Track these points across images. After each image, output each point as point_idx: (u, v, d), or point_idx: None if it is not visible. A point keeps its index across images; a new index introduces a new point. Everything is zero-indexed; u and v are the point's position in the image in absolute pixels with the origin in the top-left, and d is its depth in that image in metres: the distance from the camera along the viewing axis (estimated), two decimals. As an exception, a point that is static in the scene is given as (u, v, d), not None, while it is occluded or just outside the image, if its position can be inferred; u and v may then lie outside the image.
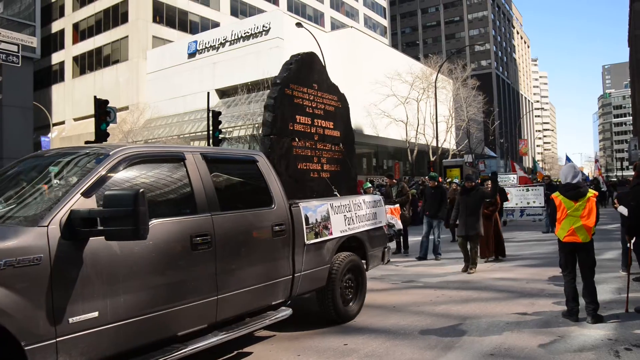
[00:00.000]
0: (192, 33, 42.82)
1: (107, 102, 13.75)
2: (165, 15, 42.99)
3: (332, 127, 6.88)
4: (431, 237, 10.93)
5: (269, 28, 35.04)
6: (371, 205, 6.60)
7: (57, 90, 47.24)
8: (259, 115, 28.06)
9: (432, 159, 35.51)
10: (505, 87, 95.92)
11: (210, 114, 19.86)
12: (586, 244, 5.51)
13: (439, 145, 36.17)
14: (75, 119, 44.20)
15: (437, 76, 35.03)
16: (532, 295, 6.90)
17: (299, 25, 28.02)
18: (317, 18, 56.36)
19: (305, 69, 6.53)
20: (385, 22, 71.89)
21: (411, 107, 37.34)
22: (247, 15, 45.37)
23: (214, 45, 38.05)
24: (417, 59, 53.18)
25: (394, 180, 12.44)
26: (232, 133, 32.52)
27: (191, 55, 39.24)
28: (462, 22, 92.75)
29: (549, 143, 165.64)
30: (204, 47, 38.67)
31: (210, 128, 19.75)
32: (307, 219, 5.20)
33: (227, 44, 37.06)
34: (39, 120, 34.89)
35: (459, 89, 42.41)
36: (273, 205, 4.85)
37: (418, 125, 37.36)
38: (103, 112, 13.54)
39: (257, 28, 35.76)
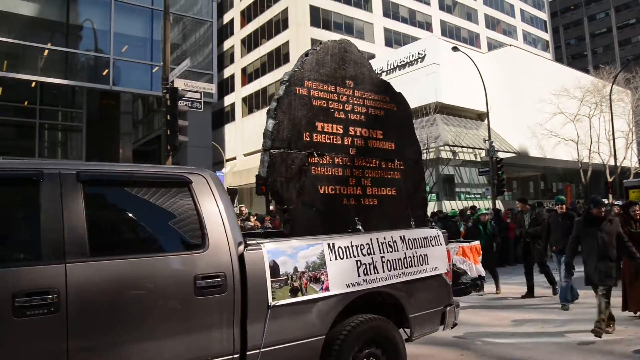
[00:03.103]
0: (348, 66, 44.38)
1: (274, 138, 14.77)
2: (322, 52, 45.29)
3: (380, 136, 5.24)
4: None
5: (424, 55, 34.96)
6: (417, 244, 4.66)
7: (229, 129, 51.97)
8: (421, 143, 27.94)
9: (609, 179, 32.17)
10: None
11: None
12: None
13: (618, 164, 32.71)
14: (245, 154, 48.00)
15: (611, 88, 31.84)
16: None
17: (455, 49, 27.53)
18: (472, 40, 55.08)
19: (331, 62, 4.99)
20: (546, 36, 67.83)
21: (582, 125, 34.31)
22: (402, 44, 45.81)
23: (370, 77, 38.90)
24: (586, 71, 49.01)
25: (527, 206, 10.72)
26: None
27: (348, 88, 40.56)
28: (639, 24, 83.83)
29: None
30: (360, 79, 39.73)
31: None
32: (275, 268, 3.63)
33: (383, 74, 37.69)
34: (214, 157, 38.62)
35: (639, 99, 38.20)
36: (204, 248, 3.40)
37: (591, 143, 34.17)
38: (271, 148, 14.56)
39: (413, 56, 35.88)
